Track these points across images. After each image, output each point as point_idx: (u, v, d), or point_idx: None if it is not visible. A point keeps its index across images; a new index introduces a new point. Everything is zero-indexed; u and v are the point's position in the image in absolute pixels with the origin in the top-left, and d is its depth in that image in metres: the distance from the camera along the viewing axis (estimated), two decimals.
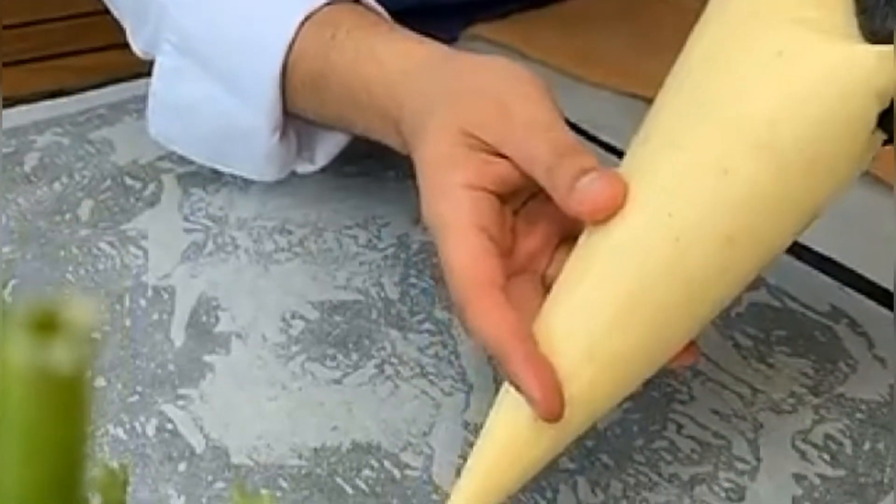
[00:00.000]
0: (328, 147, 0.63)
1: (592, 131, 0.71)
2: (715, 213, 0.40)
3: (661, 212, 0.41)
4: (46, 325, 0.13)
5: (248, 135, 0.60)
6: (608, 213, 0.41)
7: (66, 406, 0.13)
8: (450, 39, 0.80)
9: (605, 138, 0.70)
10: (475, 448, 0.42)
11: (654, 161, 0.42)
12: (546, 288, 0.45)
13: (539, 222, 0.47)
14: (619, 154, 0.49)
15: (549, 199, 0.44)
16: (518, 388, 0.40)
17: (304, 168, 0.64)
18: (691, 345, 0.43)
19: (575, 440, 0.43)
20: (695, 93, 0.43)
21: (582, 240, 0.43)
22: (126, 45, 0.68)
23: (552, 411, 0.40)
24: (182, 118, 0.63)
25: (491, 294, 0.42)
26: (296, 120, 0.61)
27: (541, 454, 0.42)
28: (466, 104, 0.47)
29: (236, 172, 0.65)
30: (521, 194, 0.47)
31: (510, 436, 0.41)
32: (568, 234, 0.46)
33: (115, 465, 0.25)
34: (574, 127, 0.60)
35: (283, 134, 0.60)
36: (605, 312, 0.41)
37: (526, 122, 0.45)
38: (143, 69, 0.79)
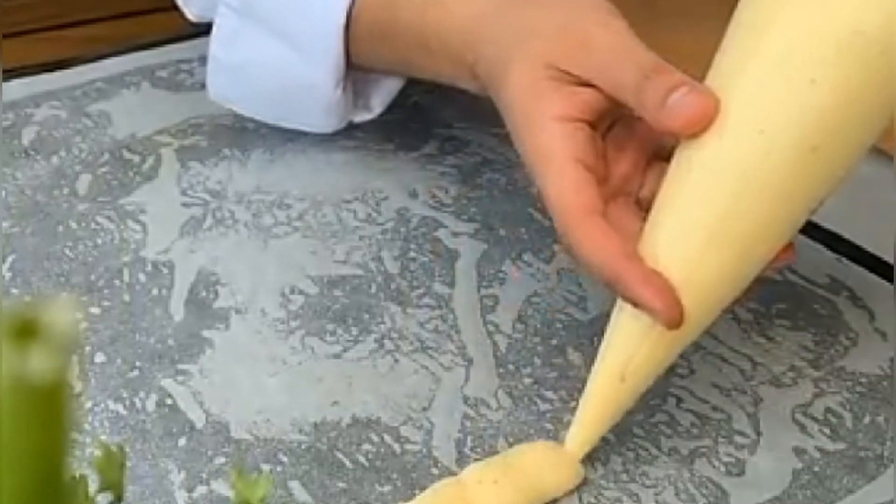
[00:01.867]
0: (383, 94, 0.64)
1: None
2: (803, 124, 0.42)
3: (751, 128, 0.43)
4: (26, 331, 0.13)
5: (310, 89, 0.61)
6: (702, 125, 0.43)
7: (45, 415, 0.13)
8: None
9: None
10: (594, 370, 0.45)
11: (741, 74, 0.44)
12: (641, 208, 0.47)
13: (626, 145, 0.48)
14: None
15: (632, 122, 0.47)
16: (636, 305, 0.43)
17: (360, 116, 0.65)
18: (788, 245, 0.45)
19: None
20: (774, 4, 0.44)
21: (675, 159, 0.45)
22: (122, 17, 0.68)
23: (675, 318, 0.42)
24: (242, 78, 0.64)
25: (594, 221, 0.44)
26: (352, 70, 0.61)
27: (659, 362, 0.45)
28: (545, 39, 0.48)
29: (296, 127, 0.65)
30: (606, 121, 0.48)
31: (630, 349, 0.44)
32: (655, 154, 0.48)
33: (112, 445, 0.25)
34: None
35: (344, 86, 0.61)
36: (701, 232, 0.43)
37: (607, 49, 0.47)
38: (140, 41, 0.79)
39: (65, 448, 0.13)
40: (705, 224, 0.43)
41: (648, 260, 0.44)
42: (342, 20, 0.58)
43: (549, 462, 0.46)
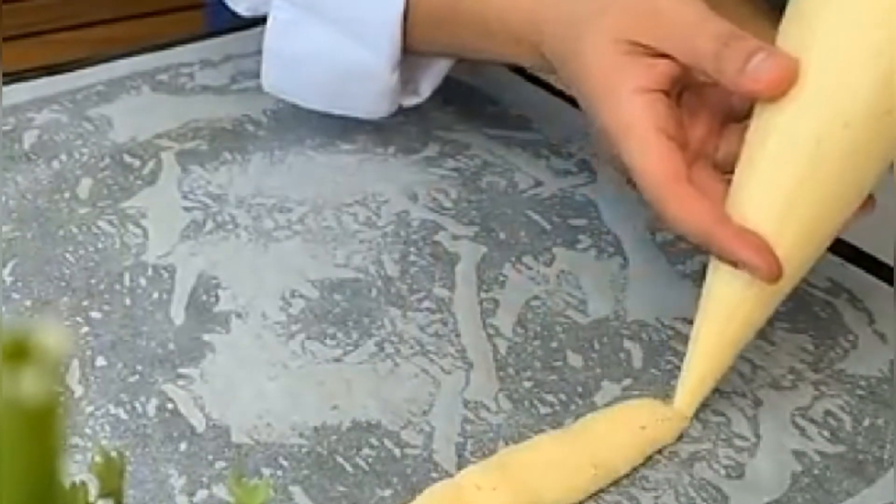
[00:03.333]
0: (431, 78, 0.66)
1: None
2: (876, 91, 0.44)
3: (826, 93, 0.44)
4: (17, 354, 0.13)
5: (367, 76, 0.63)
6: (782, 89, 0.44)
7: (38, 436, 0.13)
8: None
9: None
10: (694, 335, 0.48)
11: (812, 40, 0.45)
12: (719, 170, 0.49)
13: (699, 111, 0.50)
14: None
15: (701, 88, 0.49)
16: (734, 264, 0.45)
17: (409, 101, 0.66)
18: (868, 198, 0.48)
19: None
20: None
21: (753, 123, 0.46)
22: (122, 20, 0.68)
23: (774, 272, 0.44)
24: (298, 69, 0.66)
25: (683, 188, 0.46)
26: (406, 55, 0.63)
27: (758, 318, 0.47)
28: (615, 15, 0.49)
29: (349, 113, 0.67)
30: (677, 89, 0.50)
31: (730, 308, 0.47)
32: (727, 116, 0.50)
33: (113, 451, 0.25)
34: None
35: (399, 71, 0.63)
36: (783, 194, 0.45)
37: (681, 20, 0.48)
38: (141, 45, 0.79)
39: (57, 467, 0.13)
40: (787, 186, 0.45)
41: (737, 221, 0.46)
42: (401, 7, 0.60)
43: (656, 416, 0.48)
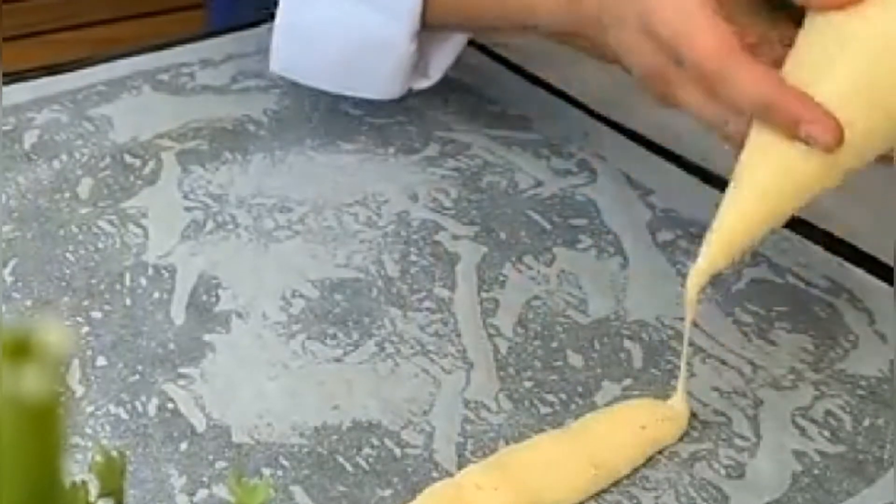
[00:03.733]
0: (440, 61, 0.66)
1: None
2: None
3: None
4: (19, 351, 0.13)
5: (384, 47, 0.63)
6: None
7: (40, 433, 0.13)
8: None
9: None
10: (728, 197, 0.47)
11: None
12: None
13: (757, 14, 0.51)
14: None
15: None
16: (794, 129, 0.45)
17: (419, 84, 0.67)
18: None
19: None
20: None
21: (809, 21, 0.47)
22: (122, 20, 0.68)
23: (837, 135, 0.44)
24: (311, 43, 0.65)
25: (743, 55, 0.46)
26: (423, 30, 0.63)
27: (812, 182, 0.47)
28: None
29: (360, 94, 0.67)
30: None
31: (782, 174, 0.46)
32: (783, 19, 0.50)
33: (113, 450, 0.25)
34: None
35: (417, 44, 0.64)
36: (845, 79, 0.45)
37: None
38: (141, 45, 0.79)
39: (58, 466, 0.13)
40: (849, 73, 0.45)
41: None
42: None
43: (656, 416, 0.48)
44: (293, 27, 0.65)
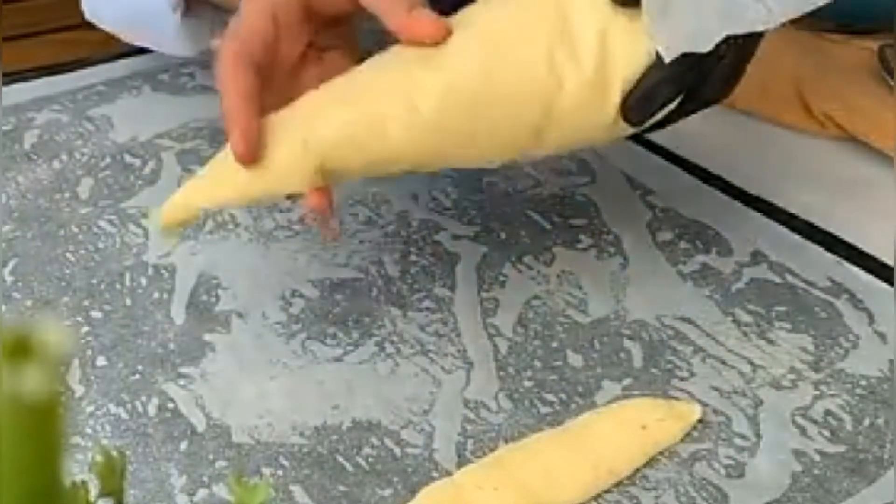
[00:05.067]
0: None
1: None
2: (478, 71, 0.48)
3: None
4: (20, 351, 0.13)
5: (155, 14, 0.67)
6: (433, 36, 0.48)
7: (40, 432, 0.13)
8: None
9: None
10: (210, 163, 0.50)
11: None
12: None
13: (321, 65, 0.53)
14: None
15: (337, 53, 0.54)
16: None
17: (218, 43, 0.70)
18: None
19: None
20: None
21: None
22: None
23: (242, 158, 0.48)
24: (107, 1, 0.70)
25: (245, 62, 0.50)
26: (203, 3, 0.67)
27: (225, 190, 0.50)
28: None
29: (157, 49, 0.72)
30: (324, 36, 0.54)
31: (218, 167, 0.50)
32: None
33: (113, 450, 0.25)
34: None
35: (189, 13, 0.67)
36: (331, 122, 0.48)
37: None
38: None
39: (58, 465, 0.13)
40: (357, 116, 0.48)
41: (282, 117, 0.49)
42: None
43: (656, 416, 0.48)
44: None
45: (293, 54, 0.53)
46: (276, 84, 0.52)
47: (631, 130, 0.50)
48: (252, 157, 0.48)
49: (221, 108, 0.49)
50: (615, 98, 0.48)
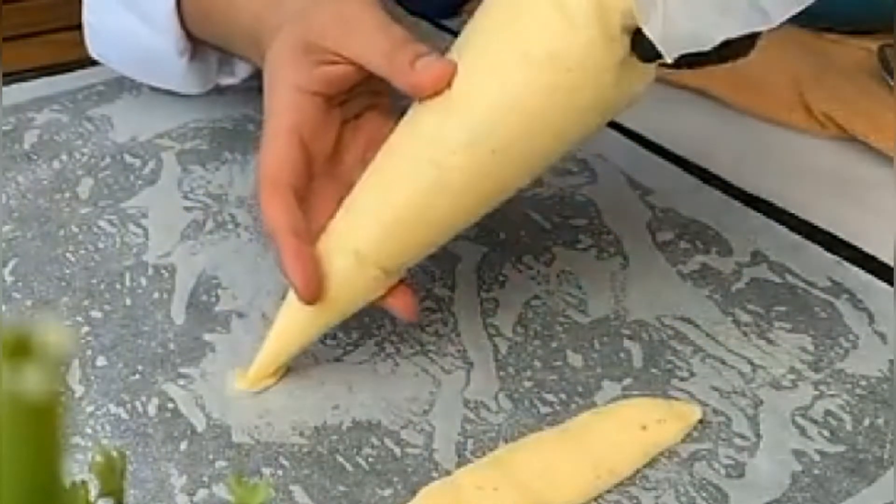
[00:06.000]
0: (244, 63, 0.69)
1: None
2: (485, 127, 0.47)
3: (440, 126, 0.48)
4: (19, 350, 0.13)
5: (163, 58, 0.67)
6: (443, 84, 0.48)
7: (40, 432, 0.13)
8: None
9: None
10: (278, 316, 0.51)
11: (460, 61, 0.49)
12: None
13: (359, 137, 0.53)
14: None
15: (371, 118, 0.53)
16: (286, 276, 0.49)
17: (225, 81, 0.70)
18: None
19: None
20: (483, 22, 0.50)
21: (379, 152, 0.50)
22: None
23: (305, 297, 0.48)
24: (113, 44, 0.70)
25: (280, 192, 0.49)
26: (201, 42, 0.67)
27: (306, 330, 0.50)
28: (311, 17, 0.52)
29: (166, 87, 0.71)
30: (353, 104, 0.53)
31: (289, 313, 0.50)
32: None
33: (113, 450, 0.25)
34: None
35: (196, 56, 0.67)
36: (369, 229, 0.49)
37: (362, 24, 0.51)
38: None
39: (58, 465, 0.13)
40: (383, 213, 0.48)
41: (323, 239, 0.49)
42: (172, 2, 0.64)
43: (656, 416, 0.48)
44: (96, 28, 0.70)
45: (330, 146, 0.52)
46: (320, 175, 0.51)
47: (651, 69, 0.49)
48: (317, 296, 0.49)
49: (272, 245, 0.49)
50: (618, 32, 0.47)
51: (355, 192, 0.50)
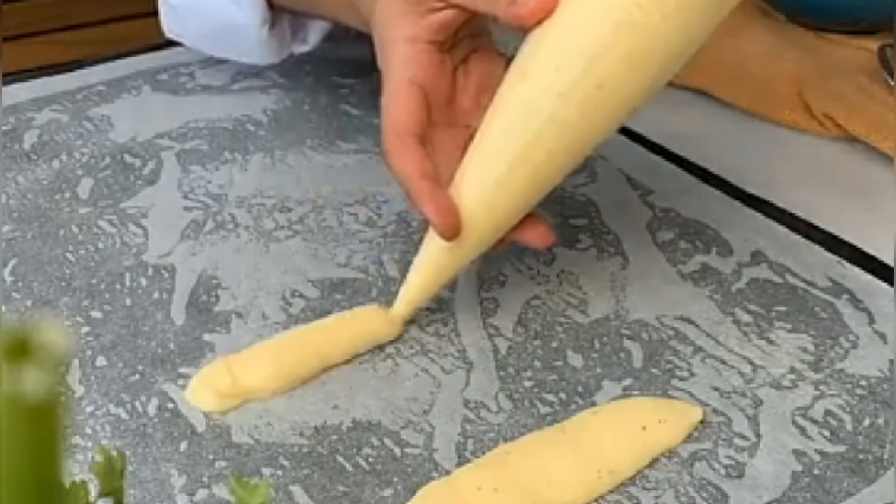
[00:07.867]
0: (317, 28, 0.72)
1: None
2: (590, 63, 0.48)
3: (549, 67, 0.49)
4: (19, 351, 0.13)
5: (242, 30, 0.69)
6: (545, 14, 0.49)
7: (40, 432, 0.13)
8: None
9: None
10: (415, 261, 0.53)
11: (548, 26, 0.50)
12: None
13: (472, 81, 0.54)
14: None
15: (483, 58, 0.54)
16: (425, 218, 0.50)
17: (299, 48, 0.73)
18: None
19: None
20: None
21: (494, 99, 0.51)
22: (122, 20, 0.69)
23: (447, 233, 0.50)
24: (188, 18, 0.72)
25: (406, 141, 0.50)
26: (279, 11, 0.69)
27: (448, 265, 0.52)
28: None
29: (240, 60, 0.73)
30: (459, 49, 0.54)
31: (429, 252, 0.52)
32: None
33: (113, 450, 0.25)
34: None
35: (274, 25, 0.69)
36: (498, 167, 0.50)
37: None
38: (141, 45, 0.79)
39: (58, 465, 0.13)
40: (504, 158, 0.50)
41: (456, 180, 0.51)
42: None
43: (656, 416, 0.49)
44: (172, 5, 0.72)
45: (446, 92, 0.53)
46: (439, 121, 0.53)
47: None
48: (457, 232, 0.50)
49: (404, 191, 0.51)
50: None
51: (478, 135, 0.51)
